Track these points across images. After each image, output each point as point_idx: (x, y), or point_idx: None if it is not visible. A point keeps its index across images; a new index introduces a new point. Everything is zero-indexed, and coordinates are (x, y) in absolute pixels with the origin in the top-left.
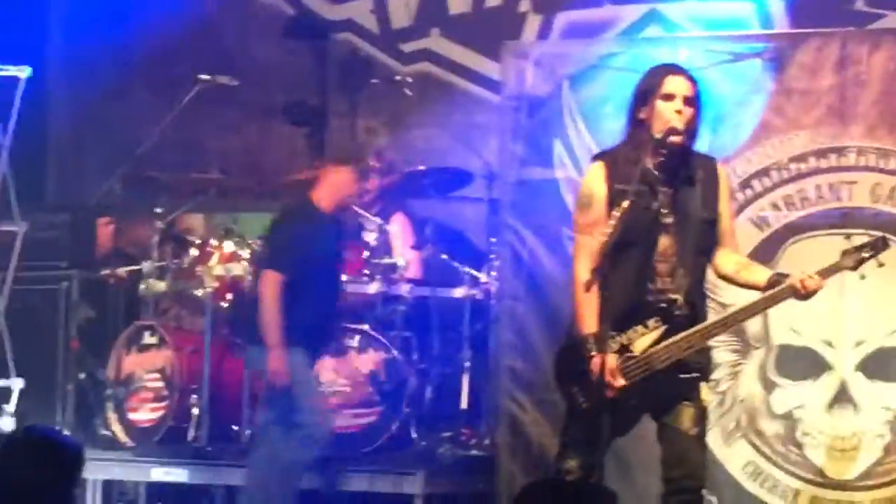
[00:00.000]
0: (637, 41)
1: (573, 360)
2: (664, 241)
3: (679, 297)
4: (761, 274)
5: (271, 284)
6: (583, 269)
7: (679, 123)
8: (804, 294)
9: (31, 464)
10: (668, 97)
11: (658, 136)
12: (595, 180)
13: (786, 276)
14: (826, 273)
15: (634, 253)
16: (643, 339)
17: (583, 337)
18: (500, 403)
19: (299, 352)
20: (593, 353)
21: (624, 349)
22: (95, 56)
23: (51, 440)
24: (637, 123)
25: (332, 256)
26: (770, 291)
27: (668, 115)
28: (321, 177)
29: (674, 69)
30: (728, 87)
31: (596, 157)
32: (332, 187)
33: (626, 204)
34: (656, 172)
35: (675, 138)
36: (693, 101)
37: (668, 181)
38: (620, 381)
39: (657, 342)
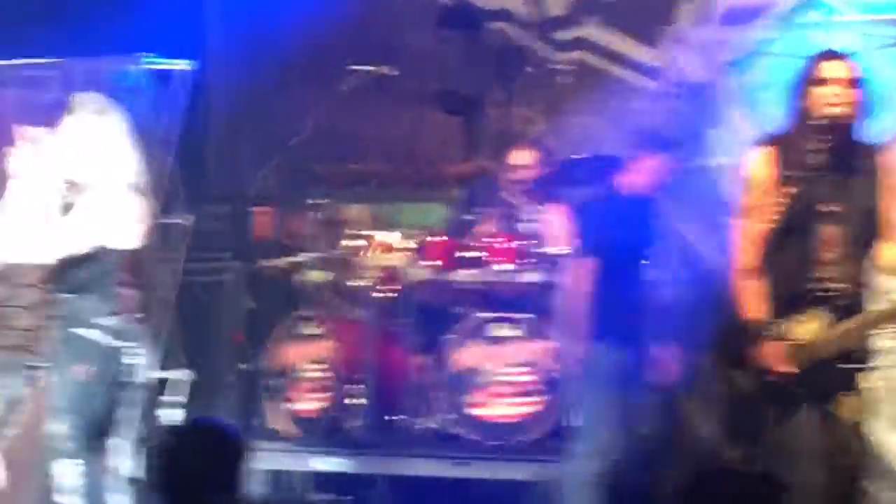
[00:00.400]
0: (795, 26)
1: (735, 347)
2: (827, 230)
3: (843, 286)
4: None
5: (579, 274)
6: (744, 255)
7: (838, 108)
8: None
9: (199, 453)
10: (827, 82)
11: (818, 121)
12: (758, 165)
13: None
14: None
15: (796, 240)
16: (806, 327)
17: (747, 321)
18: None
19: (601, 347)
20: (759, 338)
21: (786, 337)
22: (253, 48)
23: (217, 430)
24: (798, 109)
25: (641, 242)
26: None
27: (828, 99)
28: (634, 163)
29: (832, 54)
30: (889, 71)
31: (759, 142)
32: (645, 173)
33: (788, 190)
34: (819, 158)
35: (834, 122)
36: (854, 84)
37: (831, 168)
38: (786, 367)
39: (820, 330)
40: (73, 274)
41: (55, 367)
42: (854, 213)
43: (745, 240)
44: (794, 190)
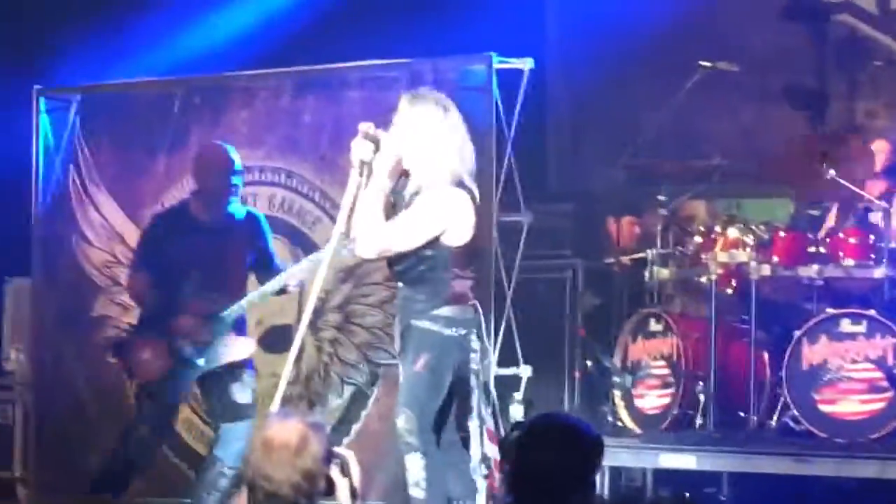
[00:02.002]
0: None
1: None
2: None
3: None
4: None
5: None
6: None
7: None
8: None
9: (555, 448)
10: None
11: None
12: None
13: None
14: None
15: None
16: None
17: None
18: None
19: None
20: None
21: None
22: (593, 45)
23: (573, 426)
24: None
25: None
26: None
27: None
28: None
29: None
30: None
31: None
32: None
33: None
34: None
35: None
36: None
37: None
38: None
39: None
40: (409, 266)
41: (400, 363)
42: None
43: None
44: None
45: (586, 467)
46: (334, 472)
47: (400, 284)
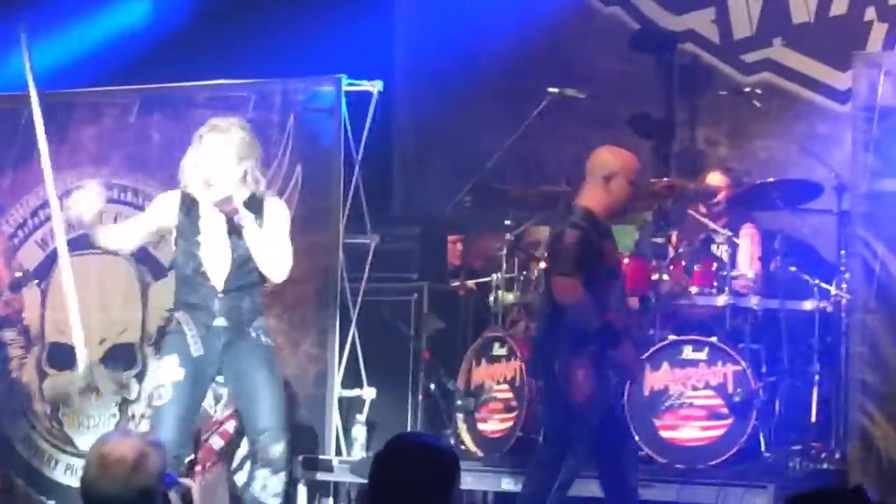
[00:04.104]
0: None
1: None
2: None
3: None
4: None
5: None
6: None
7: None
8: None
9: (413, 466)
10: None
11: None
12: None
13: None
14: None
15: None
16: None
17: None
18: (851, 417)
19: None
20: None
21: None
22: (440, 69)
23: (429, 445)
24: None
25: None
26: None
27: None
28: None
29: None
30: None
31: None
32: None
33: None
34: None
35: None
36: None
37: None
38: None
39: None
40: (237, 279)
41: (260, 385)
42: None
43: None
44: None
45: (445, 484)
46: (174, 498)
47: (220, 296)
